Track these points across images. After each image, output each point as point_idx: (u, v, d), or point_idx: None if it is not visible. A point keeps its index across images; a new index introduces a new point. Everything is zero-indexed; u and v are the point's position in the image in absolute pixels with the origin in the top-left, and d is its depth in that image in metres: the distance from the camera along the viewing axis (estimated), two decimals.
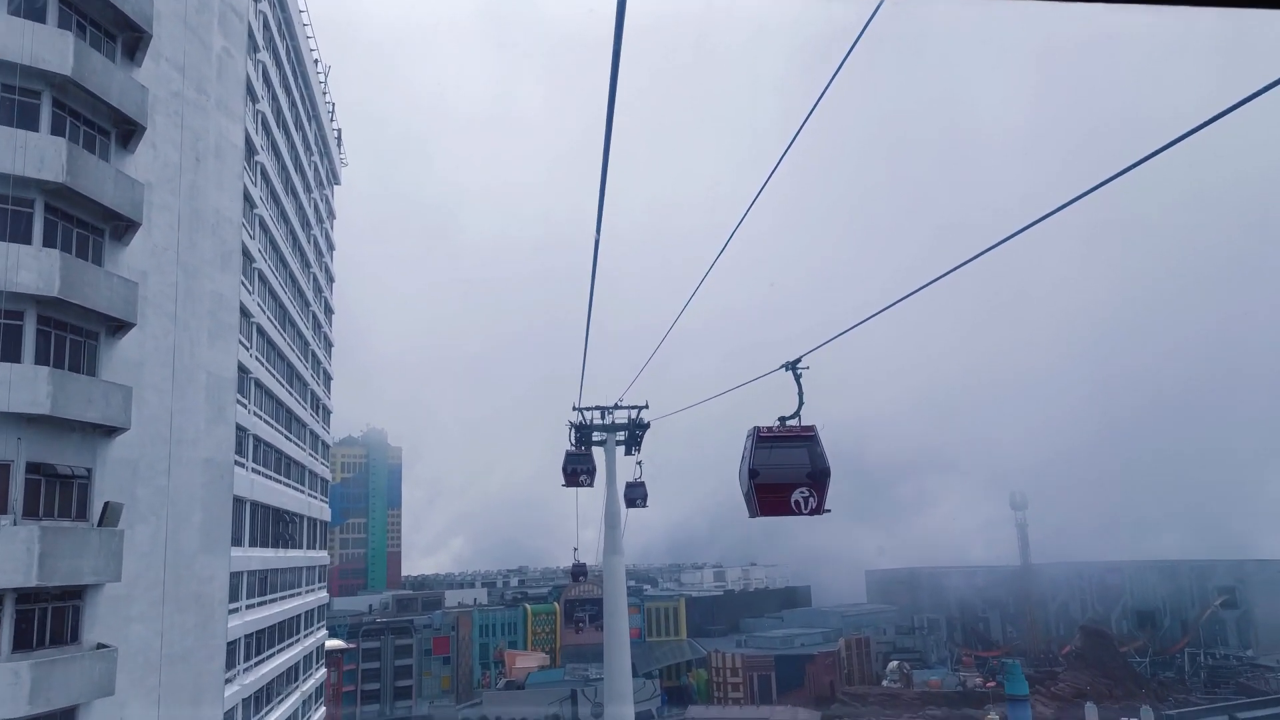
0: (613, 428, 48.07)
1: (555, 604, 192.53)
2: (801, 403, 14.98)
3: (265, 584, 38.28)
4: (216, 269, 31.34)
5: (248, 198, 35.86)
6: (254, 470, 36.38)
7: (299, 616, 46.46)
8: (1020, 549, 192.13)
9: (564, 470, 41.94)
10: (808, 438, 15.19)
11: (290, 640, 44.08)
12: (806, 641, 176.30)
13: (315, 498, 52.21)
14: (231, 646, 32.74)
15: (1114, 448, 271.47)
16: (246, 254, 36.11)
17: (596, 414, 47.49)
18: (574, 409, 48.21)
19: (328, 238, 59.36)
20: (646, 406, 48.89)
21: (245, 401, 35.56)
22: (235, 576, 33.41)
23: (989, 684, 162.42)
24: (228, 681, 32.05)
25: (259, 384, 37.96)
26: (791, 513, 15.50)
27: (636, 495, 44.83)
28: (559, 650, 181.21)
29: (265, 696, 38.51)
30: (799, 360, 15.24)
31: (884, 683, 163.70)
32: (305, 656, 48.34)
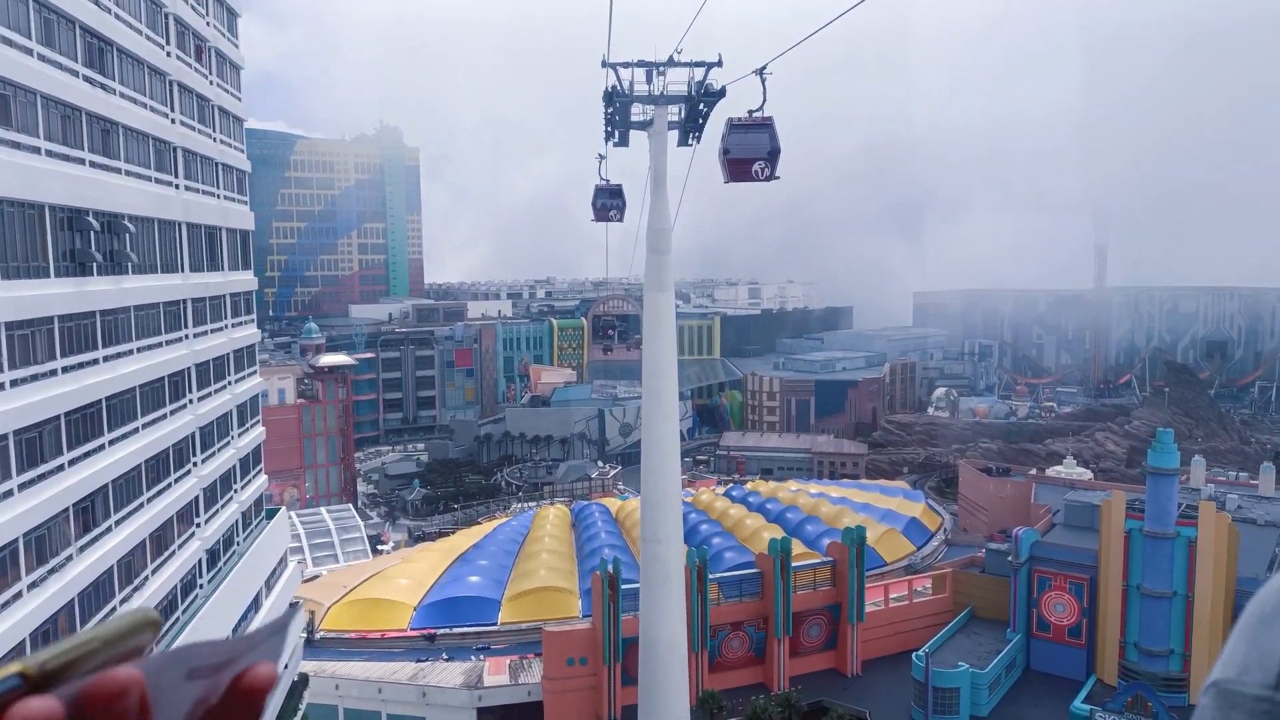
0: (664, 99, 30.95)
1: (583, 319, 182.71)
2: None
3: (70, 337, 21.83)
4: None
5: None
6: None
7: (182, 372, 30.71)
8: (1096, 272, 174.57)
9: (593, 205, 35.71)
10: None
11: (164, 410, 28.59)
12: (849, 365, 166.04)
13: (211, 194, 34.61)
14: None
15: (1201, 171, 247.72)
16: None
17: (641, 76, 30.92)
18: (603, 65, 30.28)
19: None
20: (719, 63, 30.12)
21: None
22: None
23: (1045, 413, 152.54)
24: None
25: None
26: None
27: (755, 153, 28.74)
28: (585, 366, 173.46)
29: (124, 491, 23.65)
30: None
31: (930, 410, 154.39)
32: (215, 420, 33.35)
